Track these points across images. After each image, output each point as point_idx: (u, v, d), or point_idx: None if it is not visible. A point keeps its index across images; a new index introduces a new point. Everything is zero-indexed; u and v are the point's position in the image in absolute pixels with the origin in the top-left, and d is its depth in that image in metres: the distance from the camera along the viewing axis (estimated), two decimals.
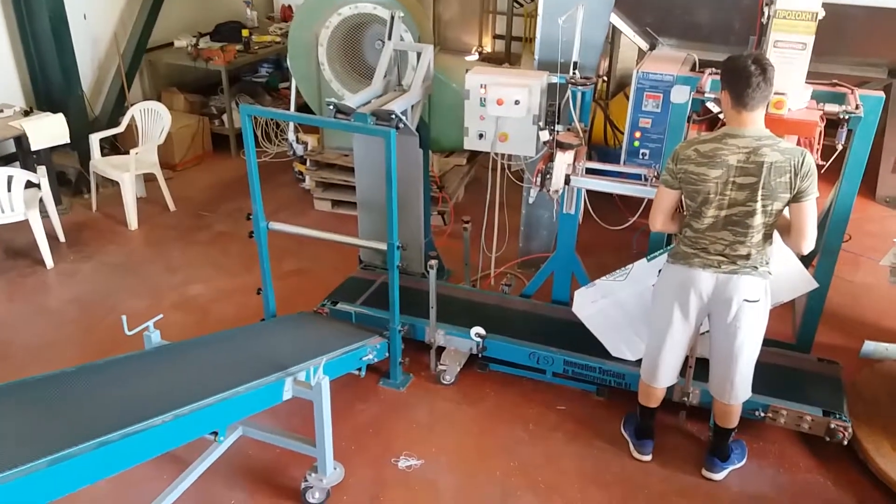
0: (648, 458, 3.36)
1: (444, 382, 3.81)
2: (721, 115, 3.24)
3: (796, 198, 2.72)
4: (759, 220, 2.76)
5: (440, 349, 3.87)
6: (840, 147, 3.25)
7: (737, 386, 3.06)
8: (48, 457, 2.11)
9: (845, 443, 3.25)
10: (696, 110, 3.36)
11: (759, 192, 2.70)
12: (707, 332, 3.09)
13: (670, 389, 3.37)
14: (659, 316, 3.09)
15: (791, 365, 3.66)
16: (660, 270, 3.12)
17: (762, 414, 3.33)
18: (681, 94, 3.38)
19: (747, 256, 2.83)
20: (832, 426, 3.24)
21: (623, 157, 3.78)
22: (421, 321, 3.82)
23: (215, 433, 2.65)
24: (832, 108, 3.19)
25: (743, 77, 2.64)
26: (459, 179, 5.81)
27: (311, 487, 3.07)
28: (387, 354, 3.74)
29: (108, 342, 4.04)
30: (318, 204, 5.77)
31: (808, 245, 2.78)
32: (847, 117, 3.15)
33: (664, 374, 3.17)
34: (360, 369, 3.62)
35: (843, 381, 3.56)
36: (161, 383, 2.90)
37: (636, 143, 3.69)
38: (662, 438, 3.43)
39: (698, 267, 2.89)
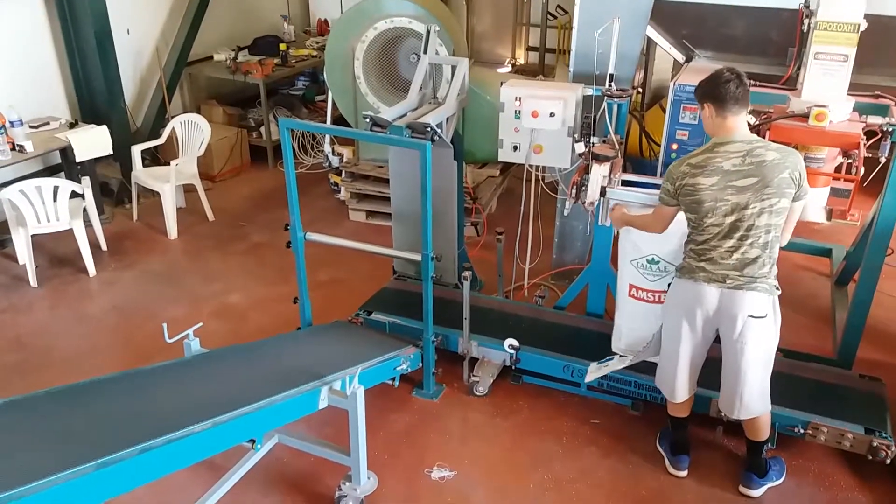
0: (684, 473, 3.32)
1: (478, 394, 3.81)
2: (754, 122, 3.22)
3: (797, 195, 2.77)
4: (764, 220, 2.76)
5: (473, 360, 3.87)
6: (883, 160, 3.19)
7: (745, 401, 3.03)
8: (94, 461, 2.16)
9: (888, 462, 3.17)
10: None
11: (764, 191, 2.72)
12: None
13: (705, 404, 3.35)
14: (669, 331, 3.11)
15: (832, 381, 3.59)
16: (669, 284, 3.13)
17: (802, 431, 3.27)
18: None
19: (757, 261, 2.80)
20: (874, 444, 3.17)
21: (659, 168, 3.75)
22: (454, 332, 3.83)
23: (253, 441, 2.69)
24: (875, 120, 3.14)
25: (720, 82, 2.76)
26: (492, 191, 5.82)
27: (346, 496, 3.09)
28: (420, 365, 3.76)
29: (148, 349, 4.12)
30: (353, 215, 5.83)
31: (787, 239, 2.92)
32: (890, 130, 3.10)
33: (681, 389, 3.18)
34: (393, 379, 3.64)
35: (887, 399, 3.47)
36: (201, 391, 2.95)
37: (673, 155, 3.67)
38: (699, 454, 3.39)
39: (703, 282, 2.90)
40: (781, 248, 2.91)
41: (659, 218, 3.06)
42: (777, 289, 2.89)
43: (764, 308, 2.86)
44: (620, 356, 3.56)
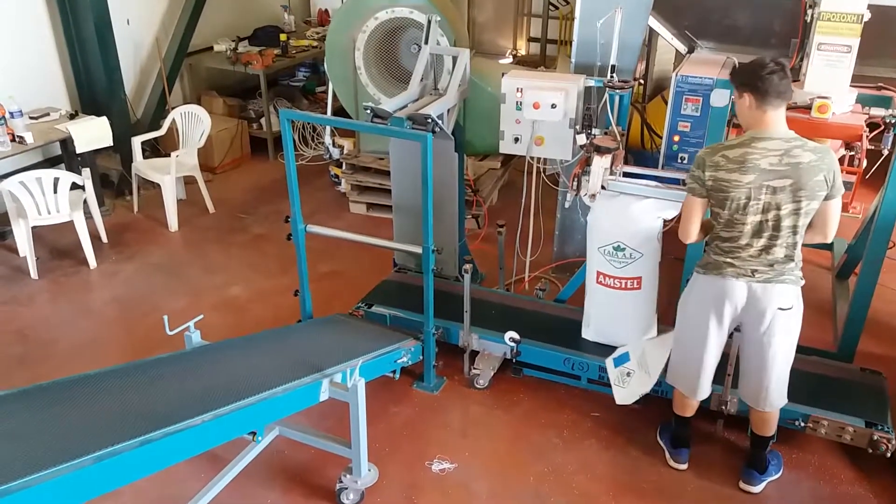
0: (684, 466, 3.32)
1: (478, 386, 3.81)
2: None
3: (829, 195, 2.72)
4: (792, 221, 2.73)
5: (474, 353, 3.87)
6: (886, 152, 3.18)
7: (771, 393, 3.02)
8: (95, 453, 2.17)
9: (888, 455, 3.17)
10: (735, 114, 3.32)
11: (798, 193, 2.67)
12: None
13: (706, 398, 3.34)
14: (693, 328, 3.05)
15: (832, 374, 3.58)
16: (686, 280, 3.09)
17: (802, 424, 3.27)
18: (721, 98, 3.35)
19: (784, 259, 2.79)
20: (875, 438, 3.17)
21: (661, 161, 3.74)
22: (455, 325, 3.82)
23: (254, 433, 2.70)
24: (878, 111, 3.12)
25: (763, 73, 2.64)
26: (493, 183, 5.80)
27: (346, 488, 3.10)
28: (421, 357, 3.76)
29: (149, 341, 4.12)
30: (354, 207, 5.82)
31: (832, 236, 2.85)
32: (893, 121, 3.09)
33: (704, 386, 3.14)
34: (394, 372, 3.65)
35: (887, 392, 3.47)
36: (201, 383, 2.95)
37: (675, 147, 3.65)
38: (699, 447, 3.39)
39: (731, 276, 2.85)
40: (824, 246, 2.87)
41: (686, 216, 2.90)
42: (801, 279, 2.87)
43: (791, 300, 2.84)
44: (641, 371, 3.50)
